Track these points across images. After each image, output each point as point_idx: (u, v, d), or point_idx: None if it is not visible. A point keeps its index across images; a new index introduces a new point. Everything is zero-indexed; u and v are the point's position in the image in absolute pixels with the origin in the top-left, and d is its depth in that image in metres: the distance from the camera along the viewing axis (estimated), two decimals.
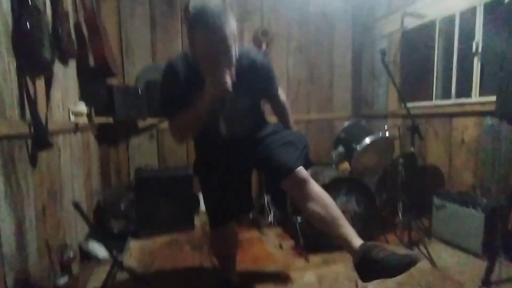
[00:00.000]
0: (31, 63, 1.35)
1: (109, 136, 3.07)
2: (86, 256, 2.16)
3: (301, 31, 3.74)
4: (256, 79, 1.44)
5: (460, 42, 2.70)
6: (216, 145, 1.56)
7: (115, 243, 2.40)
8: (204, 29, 1.16)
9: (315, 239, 2.27)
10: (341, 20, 3.90)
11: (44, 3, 1.56)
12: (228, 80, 1.22)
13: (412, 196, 2.56)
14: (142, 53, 3.16)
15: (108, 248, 1.84)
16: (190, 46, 1.26)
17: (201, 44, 1.19)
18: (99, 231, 2.44)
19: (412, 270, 1.14)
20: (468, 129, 2.62)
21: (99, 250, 2.17)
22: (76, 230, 2.10)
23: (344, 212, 2.32)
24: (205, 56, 1.21)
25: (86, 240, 2.22)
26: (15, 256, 1.23)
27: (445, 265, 2.13)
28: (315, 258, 2.25)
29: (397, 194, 2.57)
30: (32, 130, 1.34)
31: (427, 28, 3.03)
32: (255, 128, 1.56)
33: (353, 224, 2.34)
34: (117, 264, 1.78)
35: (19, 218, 1.28)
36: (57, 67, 1.79)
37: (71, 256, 1.72)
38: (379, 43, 3.56)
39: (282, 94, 1.71)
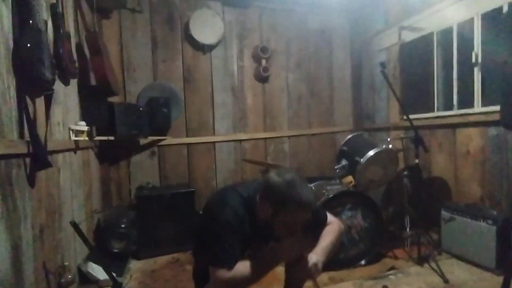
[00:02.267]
0: (31, 82, 1.36)
1: (110, 155, 3.05)
2: (85, 278, 2.10)
3: (300, 47, 3.79)
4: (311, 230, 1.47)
5: (459, 53, 2.71)
6: None
7: (115, 264, 2.34)
8: (303, 208, 1.22)
9: None
10: (339, 36, 3.96)
11: (46, 23, 1.58)
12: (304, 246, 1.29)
13: (419, 209, 2.51)
14: (143, 72, 3.19)
15: (108, 269, 1.78)
16: (268, 212, 1.26)
17: (291, 219, 1.24)
18: (98, 252, 2.38)
19: (425, 287, 1.09)
20: (472, 139, 2.58)
21: (98, 272, 2.11)
22: (75, 251, 2.05)
23: (350, 227, 2.29)
24: (291, 227, 1.26)
25: (85, 261, 2.16)
26: (11, 280, 1.18)
27: (458, 281, 2.05)
28: (321, 277, 2.17)
29: (404, 207, 2.51)
30: (30, 150, 1.32)
31: (425, 40, 3.06)
32: None
33: (360, 240, 2.31)
34: (116, 286, 1.72)
35: (16, 240, 1.24)
36: (58, 86, 1.79)
37: (70, 278, 1.66)
38: (378, 56, 3.59)
39: (332, 222, 1.55)
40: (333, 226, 1.52)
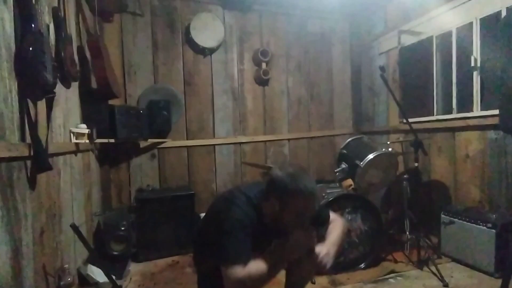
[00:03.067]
0: (33, 86, 1.37)
1: (110, 157, 3.05)
2: (85, 281, 2.09)
3: (300, 51, 3.80)
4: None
5: (458, 57, 2.72)
6: None
7: (114, 266, 2.34)
8: (308, 196, 1.26)
9: None
10: (339, 39, 3.98)
11: (48, 27, 1.60)
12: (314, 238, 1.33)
13: (418, 212, 2.50)
14: (144, 75, 3.20)
15: (107, 272, 1.78)
16: (275, 207, 1.29)
17: (298, 208, 1.28)
18: (98, 254, 2.38)
19: None
20: (471, 143, 2.59)
21: (98, 274, 2.11)
22: (75, 253, 2.05)
23: (350, 230, 2.29)
24: (299, 218, 1.30)
25: (85, 264, 2.16)
26: (11, 283, 1.18)
27: (458, 284, 2.05)
28: (321, 280, 2.18)
29: (403, 211, 2.51)
30: (32, 152, 1.33)
31: (424, 44, 3.07)
32: None
33: (360, 243, 2.31)
34: None
35: (16, 242, 1.24)
36: (59, 89, 1.80)
37: (69, 281, 1.67)
38: (377, 60, 3.61)
39: (335, 219, 1.59)
40: (337, 223, 1.55)
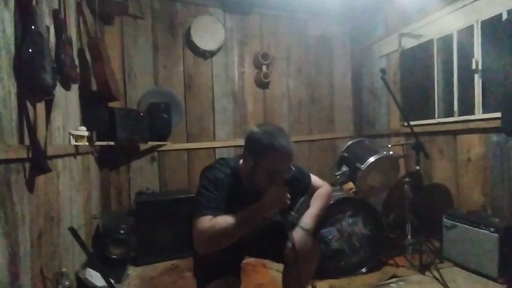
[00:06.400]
0: (32, 88, 1.36)
1: (110, 160, 3.04)
2: (83, 285, 2.07)
3: (300, 54, 3.81)
4: (296, 191, 1.49)
5: (459, 60, 2.72)
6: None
7: (113, 270, 2.32)
8: (281, 151, 1.25)
9: (321, 264, 2.17)
10: (340, 42, 3.98)
11: (48, 29, 1.59)
12: (287, 196, 1.29)
13: (420, 216, 2.48)
14: (144, 77, 3.20)
15: (106, 276, 1.76)
16: (250, 164, 1.29)
17: (270, 165, 1.27)
18: (97, 258, 2.35)
19: None
20: (473, 146, 2.58)
21: (96, 278, 2.08)
22: (73, 257, 2.03)
23: (350, 234, 2.27)
24: (271, 174, 1.28)
25: (83, 267, 2.14)
26: (8, 287, 1.17)
27: None
28: (322, 284, 2.15)
29: (405, 214, 2.49)
30: (30, 155, 1.32)
31: (425, 47, 3.07)
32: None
33: (361, 247, 2.29)
34: None
35: (13, 246, 1.22)
36: (59, 92, 1.79)
37: (67, 285, 1.65)
38: (378, 63, 3.60)
39: (320, 185, 1.61)
40: (321, 190, 1.54)
